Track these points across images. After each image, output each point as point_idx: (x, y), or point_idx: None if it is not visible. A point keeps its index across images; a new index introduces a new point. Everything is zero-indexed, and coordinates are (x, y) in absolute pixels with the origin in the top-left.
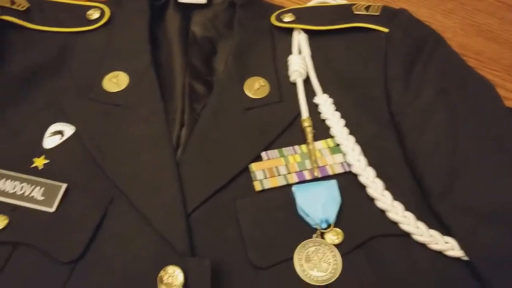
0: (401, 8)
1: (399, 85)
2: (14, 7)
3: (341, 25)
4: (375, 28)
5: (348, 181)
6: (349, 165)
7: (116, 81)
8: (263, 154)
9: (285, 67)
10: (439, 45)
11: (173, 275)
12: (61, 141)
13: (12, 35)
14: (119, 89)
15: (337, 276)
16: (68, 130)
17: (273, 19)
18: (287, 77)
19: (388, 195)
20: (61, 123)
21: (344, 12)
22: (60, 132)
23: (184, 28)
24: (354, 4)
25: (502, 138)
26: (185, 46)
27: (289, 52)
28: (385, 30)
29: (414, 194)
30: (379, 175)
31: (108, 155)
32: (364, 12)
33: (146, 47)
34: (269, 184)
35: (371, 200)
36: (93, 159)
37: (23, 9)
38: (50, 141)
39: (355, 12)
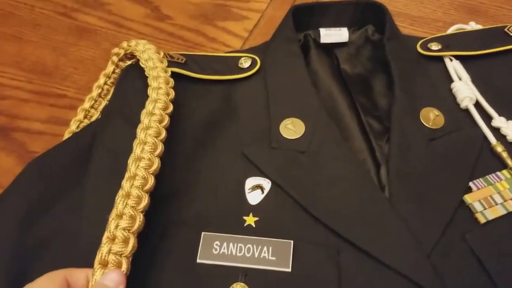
0: None
1: None
2: (175, 60)
3: (500, 47)
4: None
5: None
6: None
7: (292, 128)
8: (471, 184)
9: (448, 94)
10: None
11: None
12: (263, 195)
13: (180, 88)
14: (299, 136)
15: None
16: (265, 183)
17: (419, 49)
18: (456, 104)
19: None
20: (256, 177)
21: (498, 35)
22: (259, 187)
23: (335, 67)
24: (506, 26)
25: None
26: (343, 85)
27: (445, 79)
28: None
29: None
30: None
31: (318, 204)
32: None
33: (310, 90)
34: (491, 215)
35: None
36: (301, 210)
37: (183, 62)
38: (253, 197)
39: None
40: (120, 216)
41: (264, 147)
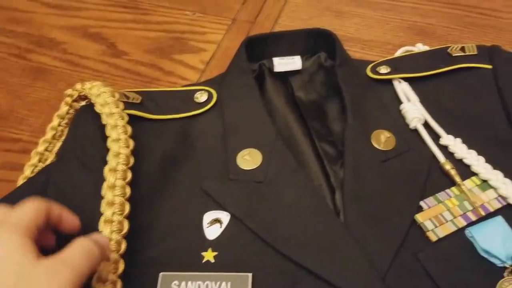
0: (494, 45)
1: None
2: (130, 101)
3: (444, 68)
4: (479, 66)
5: (510, 214)
6: (504, 198)
7: (249, 158)
8: (422, 203)
9: (398, 116)
10: None
11: None
12: (222, 229)
13: (136, 128)
14: (256, 166)
15: None
16: (224, 216)
17: (369, 73)
18: (405, 125)
19: None
20: (214, 211)
21: (442, 56)
22: (217, 220)
23: (289, 95)
24: (449, 47)
25: None
26: (298, 112)
27: (394, 101)
28: (489, 66)
29: None
30: None
31: (276, 233)
32: (462, 53)
33: (266, 120)
34: (442, 232)
35: None
36: (260, 241)
37: (138, 101)
38: (211, 231)
39: (454, 55)
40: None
41: (222, 179)
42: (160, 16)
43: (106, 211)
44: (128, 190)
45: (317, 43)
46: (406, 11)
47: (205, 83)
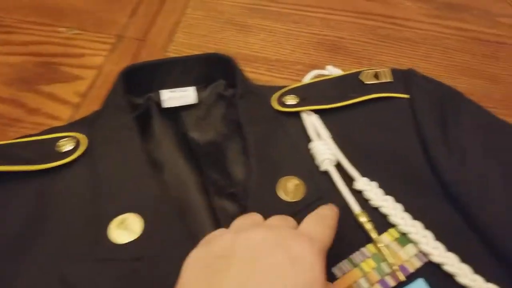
0: (409, 69)
1: (442, 149)
2: None
3: (356, 99)
4: (395, 96)
5: (431, 274)
6: (425, 254)
7: (126, 227)
8: (335, 270)
9: (307, 155)
10: (461, 100)
11: None
12: None
13: None
14: (135, 237)
15: None
16: None
17: (275, 105)
18: (315, 166)
19: (479, 279)
20: None
21: (353, 84)
22: None
23: (181, 136)
24: (360, 73)
25: None
26: (191, 157)
27: (303, 138)
28: (406, 96)
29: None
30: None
31: None
32: (375, 81)
33: (147, 173)
34: None
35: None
36: None
37: None
38: None
39: (366, 82)
40: None
41: (88, 261)
42: (27, 35)
43: None
44: None
45: (214, 69)
46: (316, 23)
47: (74, 126)
